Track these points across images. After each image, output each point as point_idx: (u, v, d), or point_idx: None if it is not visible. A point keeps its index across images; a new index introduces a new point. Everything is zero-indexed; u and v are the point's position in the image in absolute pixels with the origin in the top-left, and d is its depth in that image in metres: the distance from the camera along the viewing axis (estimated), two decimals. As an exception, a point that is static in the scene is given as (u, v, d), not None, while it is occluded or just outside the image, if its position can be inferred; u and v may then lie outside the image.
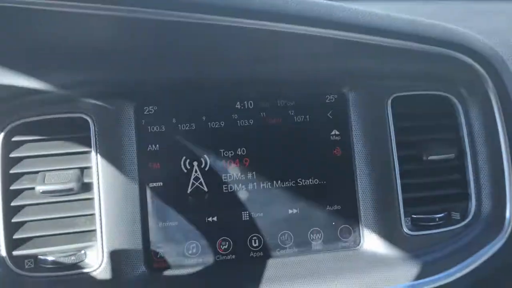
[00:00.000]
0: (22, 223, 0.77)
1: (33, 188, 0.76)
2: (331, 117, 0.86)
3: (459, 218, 0.85)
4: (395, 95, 0.85)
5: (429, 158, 0.83)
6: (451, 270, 0.78)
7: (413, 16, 0.73)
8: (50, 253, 0.77)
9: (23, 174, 0.78)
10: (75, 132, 0.79)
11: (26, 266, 0.77)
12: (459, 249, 0.81)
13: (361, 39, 0.73)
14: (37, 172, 0.78)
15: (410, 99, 0.86)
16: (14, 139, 0.78)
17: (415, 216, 0.84)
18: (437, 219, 0.84)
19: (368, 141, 0.84)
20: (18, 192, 0.77)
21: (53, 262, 0.77)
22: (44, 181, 0.76)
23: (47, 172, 0.77)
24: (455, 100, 0.86)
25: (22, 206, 0.77)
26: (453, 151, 0.84)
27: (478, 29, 0.78)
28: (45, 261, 0.77)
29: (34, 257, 0.77)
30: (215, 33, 0.66)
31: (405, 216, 0.83)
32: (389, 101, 0.85)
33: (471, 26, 0.78)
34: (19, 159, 0.78)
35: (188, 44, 0.71)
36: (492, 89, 0.78)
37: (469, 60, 0.76)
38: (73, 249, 0.78)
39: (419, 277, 0.78)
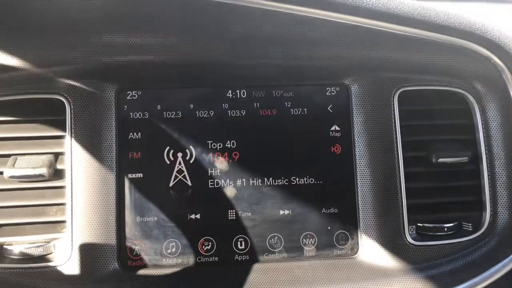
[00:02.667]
0: None
1: (1, 173, 0.71)
2: (331, 111, 0.79)
3: (471, 229, 0.78)
4: (402, 89, 0.78)
5: (438, 160, 0.77)
6: (459, 288, 0.72)
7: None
8: (17, 243, 0.72)
9: None
10: (51, 115, 0.74)
11: (-10, 256, 0.72)
12: (469, 265, 0.75)
13: (366, 24, 0.69)
14: (8, 156, 0.73)
15: (419, 94, 0.79)
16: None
17: (420, 225, 0.77)
18: (445, 229, 0.77)
19: (371, 139, 0.77)
20: None
21: (20, 253, 0.72)
22: (14, 165, 0.71)
23: (19, 156, 0.73)
24: (470, 97, 0.78)
25: None
26: (466, 154, 0.77)
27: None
28: (11, 251, 0.72)
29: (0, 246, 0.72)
30: (206, 8, 0.60)
31: (409, 224, 0.76)
32: (396, 96, 0.78)
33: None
34: None
35: (178, 18, 0.66)
36: (513, 85, 0.73)
37: (486, 52, 0.70)
38: (42, 240, 0.73)
39: (421, 292, 0.72)
